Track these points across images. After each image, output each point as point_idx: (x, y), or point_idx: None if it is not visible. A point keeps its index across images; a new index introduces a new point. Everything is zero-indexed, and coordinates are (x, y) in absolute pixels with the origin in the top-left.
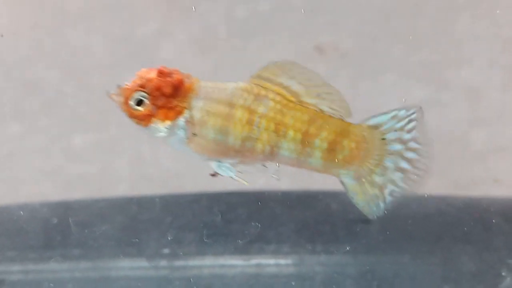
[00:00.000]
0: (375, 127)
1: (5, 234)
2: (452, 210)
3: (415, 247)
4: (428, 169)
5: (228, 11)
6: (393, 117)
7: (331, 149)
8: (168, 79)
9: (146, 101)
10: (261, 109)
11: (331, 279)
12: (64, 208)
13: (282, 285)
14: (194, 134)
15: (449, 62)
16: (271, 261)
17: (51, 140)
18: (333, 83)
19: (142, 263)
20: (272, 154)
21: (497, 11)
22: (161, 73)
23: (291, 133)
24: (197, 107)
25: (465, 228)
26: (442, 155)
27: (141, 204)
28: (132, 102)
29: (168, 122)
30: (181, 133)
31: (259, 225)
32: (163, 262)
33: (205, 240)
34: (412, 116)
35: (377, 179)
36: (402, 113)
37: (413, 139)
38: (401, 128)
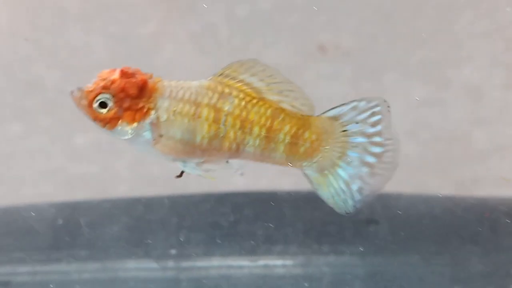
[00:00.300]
0: (335, 118)
1: (11, 235)
2: (459, 211)
3: (423, 247)
4: (395, 164)
5: (229, 10)
6: (352, 108)
7: (294, 143)
8: (132, 79)
9: (110, 103)
10: (226, 107)
11: (339, 280)
12: (70, 209)
13: (290, 286)
14: (161, 135)
15: (451, 61)
16: (279, 262)
17: (52, 140)
18: (335, 82)
19: (150, 264)
20: (238, 151)
21: (507, 9)
22: (124, 74)
23: (256, 129)
24: (163, 108)
25: (473, 229)
26: (444, 155)
27: (147, 204)
28: (96, 105)
29: (134, 124)
30: (147, 135)
31: (271, 225)
32: (171, 263)
33: (212, 241)
34: (376, 109)
35: (341, 172)
36: (363, 104)
37: (378, 133)
38: (363, 121)
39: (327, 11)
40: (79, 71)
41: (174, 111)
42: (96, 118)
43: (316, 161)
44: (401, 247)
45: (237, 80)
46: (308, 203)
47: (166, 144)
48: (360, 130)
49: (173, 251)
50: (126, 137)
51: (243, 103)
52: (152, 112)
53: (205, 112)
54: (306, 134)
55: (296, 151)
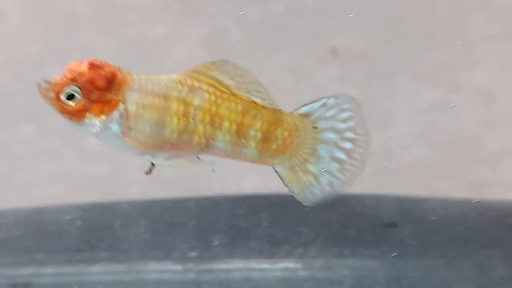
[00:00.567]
0: (306, 115)
1: (31, 236)
2: (476, 214)
3: (443, 251)
4: (365, 160)
5: (240, 13)
6: (322, 105)
7: (265, 139)
8: (101, 71)
9: (78, 95)
10: (196, 101)
11: (360, 283)
12: (89, 211)
13: None
14: (130, 128)
15: (462, 64)
16: (299, 265)
17: (64, 141)
18: (346, 85)
19: (171, 266)
20: (207, 146)
21: None
22: (92, 66)
23: (226, 124)
24: (132, 100)
25: (493, 232)
26: (455, 158)
27: (166, 206)
28: (63, 97)
29: (103, 117)
30: (115, 128)
31: (290, 228)
32: (191, 265)
33: (232, 243)
34: (345, 106)
35: (311, 167)
36: (331, 101)
37: (349, 129)
38: (333, 117)
39: (338, 15)
40: None
41: (143, 104)
42: (64, 111)
43: (288, 158)
44: (422, 251)
45: (208, 76)
46: (325, 207)
47: (135, 137)
48: (330, 126)
49: (193, 253)
50: (94, 130)
51: (213, 97)
52: (121, 105)
53: (174, 105)
54: (278, 131)
55: (268, 148)
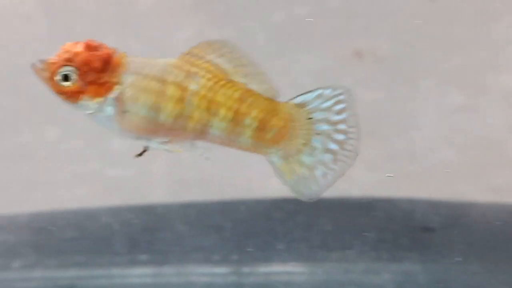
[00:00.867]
0: (301, 105)
1: (70, 239)
2: (509, 217)
3: (481, 255)
4: (356, 151)
5: (265, 16)
6: (318, 96)
7: (261, 128)
8: (97, 53)
9: (74, 76)
10: (192, 86)
11: (401, 287)
12: (125, 214)
13: None
14: (125, 111)
15: (487, 67)
16: (338, 269)
17: (88, 144)
18: (370, 87)
19: (211, 269)
20: (203, 133)
21: None
22: (88, 47)
23: (222, 111)
24: (128, 83)
25: None
26: (480, 161)
27: (200, 209)
28: (59, 77)
29: (99, 99)
30: (110, 110)
31: (327, 232)
32: (232, 269)
33: (270, 247)
34: (340, 97)
35: (305, 159)
36: (328, 92)
37: (343, 121)
38: (328, 109)
39: (363, 17)
40: None
41: (139, 86)
42: (59, 91)
43: (282, 148)
44: (460, 254)
45: (205, 60)
46: (360, 210)
47: (130, 120)
48: (325, 118)
49: (234, 257)
50: (89, 112)
51: (210, 83)
52: (117, 87)
53: (170, 90)
54: (274, 120)
55: (263, 137)
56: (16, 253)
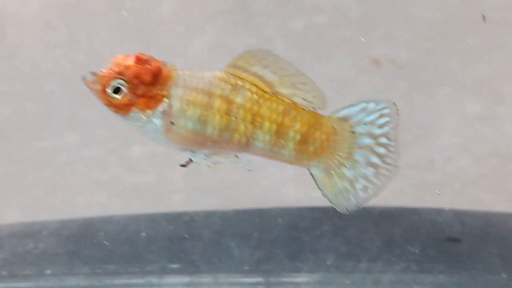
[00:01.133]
0: (344, 119)
1: (99, 246)
2: None
3: (508, 266)
4: (397, 164)
5: (285, 24)
6: (362, 110)
7: (304, 141)
8: (147, 66)
9: (124, 89)
10: (239, 100)
11: None
12: (150, 222)
13: None
14: (173, 124)
15: (505, 76)
16: (367, 279)
17: (108, 150)
18: (388, 95)
19: (241, 278)
20: (247, 145)
21: None
22: (139, 60)
23: (267, 124)
24: (176, 96)
25: None
26: (498, 169)
27: (224, 218)
28: (109, 90)
29: (148, 111)
30: (159, 123)
31: (353, 242)
32: (261, 279)
33: (298, 256)
34: (385, 111)
35: (347, 172)
36: (371, 106)
37: (384, 135)
38: (372, 122)
39: (381, 26)
40: None
41: (187, 100)
42: (110, 104)
43: (324, 161)
44: (486, 265)
45: (250, 73)
46: (385, 220)
47: (177, 133)
48: (368, 131)
49: (263, 266)
50: (138, 124)
51: (255, 96)
52: (166, 100)
53: (217, 103)
54: (317, 134)
55: (305, 150)
56: (48, 261)
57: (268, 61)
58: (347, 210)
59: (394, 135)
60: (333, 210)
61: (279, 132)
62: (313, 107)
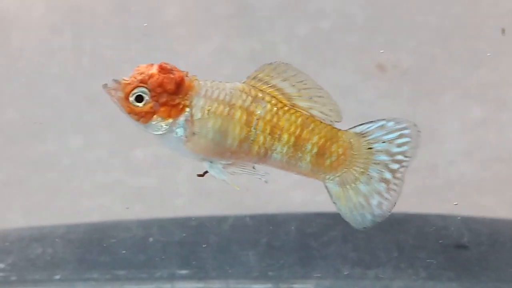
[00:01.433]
0: (362, 135)
1: (107, 251)
2: None
3: None
4: (403, 179)
5: (289, 29)
6: (380, 127)
7: (321, 154)
8: (170, 75)
9: (146, 97)
10: (259, 111)
11: None
12: (157, 227)
13: None
14: (194, 134)
15: (508, 82)
16: (377, 286)
17: (111, 153)
18: (392, 101)
19: (250, 285)
20: (265, 157)
21: None
22: (162, 69)
23: (285, 136)
24: (198, 106)
25: None
26: (501, 175)
27: (232, 224)
28: (132, 98)
29: (169, 120)
30: (180, 132)
31: (362, 248)
32: (270, 285)
33: (306, 262)
34: (405, 132)
35: (362, 187)
36: (391, 124)
37: (402, 153)
38: (390, 141)
39: (386, 31)
40: None
41: (209, 110)
42: (131, 112)
43: (340, 175)
44: (496, 273)
45: (270, 85)
46: (392, 226)
47: (198, 142)
48: (385, 149)
49: (270, 273)
50: (159, 133)
51: (275, 109)
52: (187, 109)
53: (238, 114)
54: (334, 147)
55: (322, 163)
56: (56, 266)
57: (287, 74)
58: (364, 227)
59: (412, 153)
60: (340, 216)
61: (297, 145)
62: (330, 120)
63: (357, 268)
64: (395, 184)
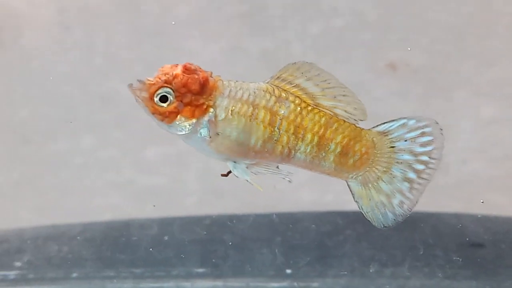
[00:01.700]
0: (384, 134)
1: (122, 250)
2: None
3: None
4: (430, 180)
5: (302, 28)
6: (402, 126)
7: (344, 153)
8: (194, 75)
9: (171, 97)
10: (282, 111)
11: None
12: (171, 225)
13: None
14: (217, 134)
15: None
16: (393, 284)
17: (123, 152)
18: (404, 99)
19: (266, 283)
20: (289, 156)
21: None
22: (186, 70)
23: (309, 136)
24: (222, 106)
25: None
26: None
27: (245, 222)
28: (157, 99)
29: (193, 120)
30: (204, 132)
31: (378, 247)
32: (287, 283)
33: (322, 261)
34: (426, 130)
35: (384, 186)
36: (412, 123)
37: (427, 153)
38: (413, 139)
39: (398, 29)
40: None
41: (233, 110)
42: (156, 112)
43: (362, 174)
44: None
45: (293, 85)
46: (407, 224)
47: (222, 143)
48: (408, 148)
49: (287, 271)
50: (183, 133)
51: (298, 108)
52: (211, 109)
53: (261, 114)
54: (357, 146)
55: (345, 162)
56: (73, 264)
57: (311, 74)
58: (385, 226)
59: (438, 154)
60: (354, 215)
61: (321, 144)
62: (354, 119)
63: (373, 267)
64: (419, 183)
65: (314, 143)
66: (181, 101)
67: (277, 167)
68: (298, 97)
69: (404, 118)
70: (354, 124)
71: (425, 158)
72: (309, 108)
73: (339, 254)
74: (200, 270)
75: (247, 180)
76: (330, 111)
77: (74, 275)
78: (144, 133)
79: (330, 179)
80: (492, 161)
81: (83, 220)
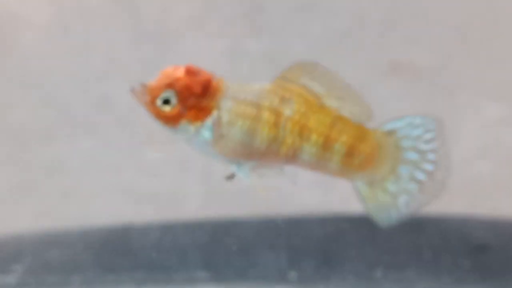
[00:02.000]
0: (390, 133)
1: (123, 254)
2: None
3: None
4: (445, 184)
5: (303, 28)
6: (408, 124)
7: (350, 154)
8: (197, 78)
9: (174, 100)
10: (287, 112)
11: None
12: (172, 229)
13: None
14: (222, 136)
15: None
16: None
17: (124, 156)
18: (407, 99)
19: (269, 287)
20: (294, 158)
21: None
22: (189, 72)
23: (314, 137)
24: (226, 108)
25: None
26: None
27: (249, 226)
28: (159, 102)
29: (197, 123)
30: (207, 135)
31: (382, 251)
32: (289, 287)
33: (327, 265)
34: (430, 126)
35: (390, 186)
36: (417, 120)
37: (432, 151)
38: (418, 137)
39: (401, 30)
40: None
41: (236, 112)
42: (158, 115)
43: (368, 174)
44: None
45: (298, 85)
46: (412, 227)
47: (226, 145)
48: (413, 146)
49: (291, 275)
50: (187, 136)
51: (303, 108)
52: (215, 112)
53: (266, 115)
54: (362, 146)
55: (351, 163)
56: (73, 268)
57: (316, 74)
58: (388, 226)
59: (444, 152)
60: (359, 218)
61: (326, 145)
62: (360, 119)
63: (378, 270)
64: (431, 186)
65: (319, 144)
66: (184, 104)
67: (282, 169)
68: (303, 97)
69: (409, 116)
70: (360, 124)
71: (432, 156)
72: (314, 108)
73: (343, 258)
74: (202, 274)
75: (251, 182)
76: (335, 111)
77: (75, 279)
78: (144, 135)
79: (335, 180)
80: (497, 163)
81: (83, 224)
